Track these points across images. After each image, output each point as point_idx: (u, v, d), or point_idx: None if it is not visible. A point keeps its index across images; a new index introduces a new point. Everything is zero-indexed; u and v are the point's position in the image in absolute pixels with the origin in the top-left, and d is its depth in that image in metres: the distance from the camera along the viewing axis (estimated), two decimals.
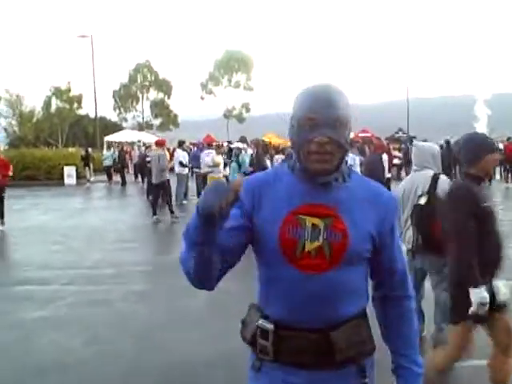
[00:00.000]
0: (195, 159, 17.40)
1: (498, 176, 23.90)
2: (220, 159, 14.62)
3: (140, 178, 24.32)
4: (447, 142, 21.21)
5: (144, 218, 13.98)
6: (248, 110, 60.34)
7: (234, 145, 16.21)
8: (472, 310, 3.09)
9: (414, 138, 32.88)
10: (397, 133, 40.20)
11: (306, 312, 1.66)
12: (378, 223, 1.72)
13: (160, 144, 14.15)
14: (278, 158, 14.24)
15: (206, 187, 1.50)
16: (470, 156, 3.36)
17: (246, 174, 11.37)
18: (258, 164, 11.92)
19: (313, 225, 1.66)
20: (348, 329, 1.69)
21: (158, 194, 13.44)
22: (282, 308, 1.69)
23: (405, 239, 4.53)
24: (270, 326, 1.69)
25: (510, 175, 22.53)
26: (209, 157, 14.51)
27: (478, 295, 3.07)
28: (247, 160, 12.87)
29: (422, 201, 4.34)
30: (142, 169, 20.68)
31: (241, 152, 13.75)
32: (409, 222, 4.48)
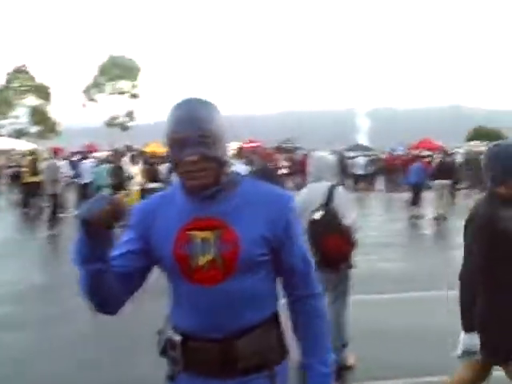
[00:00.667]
0: (75, 168, 16.49)
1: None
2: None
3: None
4: (337, 153, 21.84)
5: (14, 232, 12.90)
6: (132, 119, 58.72)
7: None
8: (457, 354, 2.73)
9: (300, 148, 33.68)
10: (285, 143, 40.85)
11: (208, 323, 1.69)
12: (271, 224, 1.72)
13: (55, 153, 14.10)
14: (163, 167, 13.64)
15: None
16: (505, 172, 2.73)
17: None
18: (115, 177, 11.44)
19: (203, 239, 1.69)
20: (253, 336, 1.71)
21: (51, 206, 12.74)
22: (187, 320, 1.73)
23: None
24: (177, 338, 1.73)
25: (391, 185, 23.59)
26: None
27: (467, 342, 2.68)
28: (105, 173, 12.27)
29: (317, 215, 4.04)
30: (17, 179, 19.13)
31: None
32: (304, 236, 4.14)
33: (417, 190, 14.88)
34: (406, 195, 15.85)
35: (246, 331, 1.69)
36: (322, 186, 4.23)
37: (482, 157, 2.88)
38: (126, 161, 12.78)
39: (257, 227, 1.70)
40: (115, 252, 1.72)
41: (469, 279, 2.69)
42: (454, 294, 2.84)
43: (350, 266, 4.23)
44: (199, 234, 1.69)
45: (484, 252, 2.66)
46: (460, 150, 27.53)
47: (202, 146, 1.62)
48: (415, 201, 14.59)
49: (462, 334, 2.69)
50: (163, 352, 1.80)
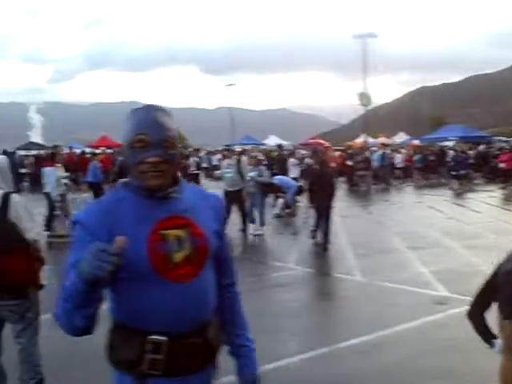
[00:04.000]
0: None
1: None
2: None
3: None
4: (7, 153, 19.59)
5: None
6: None
7: None
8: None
9: None
10: None
11: (185, 319, 1.75)
12: (217, 220, 1.90)
13: None
14: None
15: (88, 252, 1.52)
16: None
17: None
18: None
19: (176, 236, 1.75)
20: (213, 326, 1.86)
21: None
22: (160, 320, 1.72)
23: None
24: (163, 339, 1.72)
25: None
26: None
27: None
28: None
29: None
30: None
31: None
32: None
33: (95, 188, 14.66)
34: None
35: (209, 321, 1.83)
36: None
37: None
38: None
39: (211, 223, 1.85)
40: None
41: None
42: None
43: (39, 287, 3.53)
44: (172, 233, 1.75)
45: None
46: None
47: (165, 150, 1.72)
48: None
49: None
50: (136, 361, 1.73)
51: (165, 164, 1.72)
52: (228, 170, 11.22)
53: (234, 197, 10.85)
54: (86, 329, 1.69)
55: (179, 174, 1.86)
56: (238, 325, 2.00)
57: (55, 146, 17.12)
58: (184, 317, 1.74)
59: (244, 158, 13.35)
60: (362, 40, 33.79)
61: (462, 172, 21.27)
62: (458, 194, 19.18)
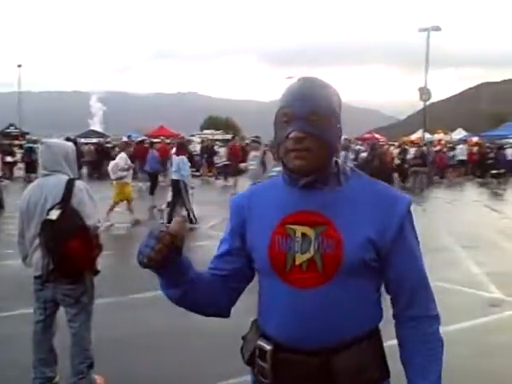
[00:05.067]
0: None
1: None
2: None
3: None
4: (71, 140, 20.42)
5: None
6: None
7: None
8: None
9: (28, 133, 31.04)
10: (7, 128, 37.12)
11: (302, 332, 1.50)
12: (381, 227, 1.51)
13: None
14: None
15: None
16: None
17: None
18: None
19: (303, 234, 1.51)
20: (352, 353, 1.50)
21: None
22: (278, 327, 1.54)
23: (31, 263, 3.59)
24: (268, 347, 1.54)
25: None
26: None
27: None
28: None
29: (54, 215, 3.39)
30: None
31: None
32: (37, 241, 3.47)
33: (153, 178, 14.78)
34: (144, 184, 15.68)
35: (344, 345, 1.50)
36: (58, 180, 3.55)
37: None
38: None
39: (365, 228, 1.50)
40: (216, 252, 1.68)
41: None
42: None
43: (96, 273, 3.69)
44: (300, 229, 1.51)
45: None
46: (195, 139, 28.51)
47: (311, 124, 1.48)
48: (152, 190, 14.48)
49: None
50: (249, 361, 1.62)
51: (310, 140, 1.48)
52: (252, 163, 10.37)
53: None
54: (200, 310, 1.67)
55: (346, 168, 1.60)
56: (416, 373, 1.54)
57: (129, 137, 17.49)
58: (296, 328, 1.51)
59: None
60: (425, 33, 32.82)
61: (502, 171, 20.94)
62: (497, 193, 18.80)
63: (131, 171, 11.86)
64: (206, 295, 1.60)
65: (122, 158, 11.62)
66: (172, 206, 11.28)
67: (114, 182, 11.58)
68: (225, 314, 1.69)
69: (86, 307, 3.64)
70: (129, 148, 12.52)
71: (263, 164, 10.07)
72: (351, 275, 1.49)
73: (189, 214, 11.15)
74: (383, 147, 19.16)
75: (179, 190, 11.13)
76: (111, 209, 11.30)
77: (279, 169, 1.64)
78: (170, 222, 10.32)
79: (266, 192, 1.65)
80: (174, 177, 11.24)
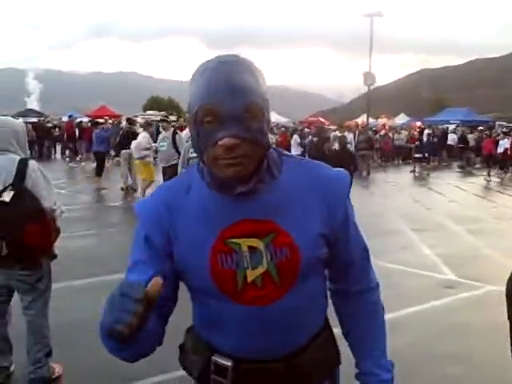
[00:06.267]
0: None
1: None
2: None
3: None
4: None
5: None
6: None
7: None
8: None
9: None
10: None
11: (263, 345, 1.35)
12: (328, 216, 1.36)
13: None
14: None
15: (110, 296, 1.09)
16: None
17: None
18: None
19: (250, 248, 1.29)
20: (314, 348, 1.42)
21: None
22: (236, 344, 1.36)
23: None
24: (228, 364, 1.38)
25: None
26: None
27: None
28: None
29: (7, 197, 3.17)
30: None
31: None
32: None
33: (100, 159, 14.53)
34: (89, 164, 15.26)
35: (307, 344, 1.41)
36: (8, 160, 3.28)
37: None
38: None
39: (312, 222, 1.33)
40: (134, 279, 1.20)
41: None
42: None
43: (53, 257, 3.48)
44: (245, 242, 1.30)
45: None
46: (138, 119, 27.96)
47: (244, 125, 1.20)
48: (99, 171, 14.13)
49: None
50: (199, 377, 1.44)
51: (245, 146, 1.22)
52: (162, 144, 9.92)
53: (168, 172, 9.38)
54: (143, 356, 1.33)
55: (273, 154, 1.36)
56: (365, 344, 1.50)
57: (70, 116, 16.88)
58: (258, 343, 1.36)
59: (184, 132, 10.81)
60: (369, 19, 33.16)
61: (426, 155, 21.87)
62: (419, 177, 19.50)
63: (152, 151, 11.45)
64: (152, 336, 1.32)
65: (144, 137, 11.31)
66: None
67: (137, 161, 11.40)
68: (152, 350, 1.37)
69: (42, 294, 3.47)
70: (150, 128, 12.14)
71: (174, 145, 9.55)
72: (307, 277, 1.35)
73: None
74: (333, 132, 19.33)
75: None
76: (147, 186, 10.96)
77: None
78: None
79: (185, 199, 1.35)
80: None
